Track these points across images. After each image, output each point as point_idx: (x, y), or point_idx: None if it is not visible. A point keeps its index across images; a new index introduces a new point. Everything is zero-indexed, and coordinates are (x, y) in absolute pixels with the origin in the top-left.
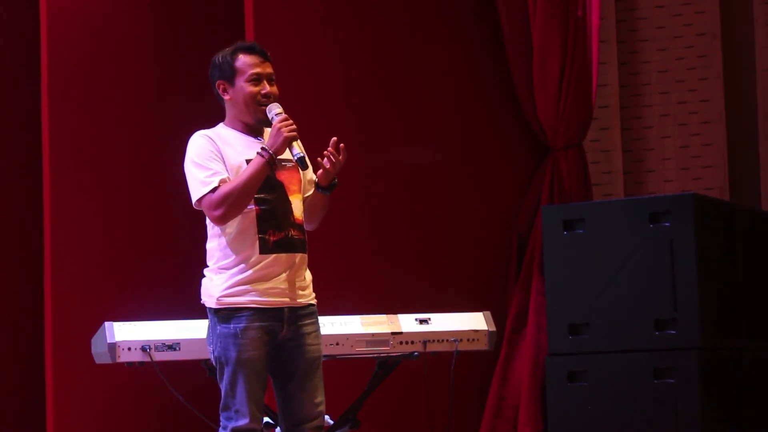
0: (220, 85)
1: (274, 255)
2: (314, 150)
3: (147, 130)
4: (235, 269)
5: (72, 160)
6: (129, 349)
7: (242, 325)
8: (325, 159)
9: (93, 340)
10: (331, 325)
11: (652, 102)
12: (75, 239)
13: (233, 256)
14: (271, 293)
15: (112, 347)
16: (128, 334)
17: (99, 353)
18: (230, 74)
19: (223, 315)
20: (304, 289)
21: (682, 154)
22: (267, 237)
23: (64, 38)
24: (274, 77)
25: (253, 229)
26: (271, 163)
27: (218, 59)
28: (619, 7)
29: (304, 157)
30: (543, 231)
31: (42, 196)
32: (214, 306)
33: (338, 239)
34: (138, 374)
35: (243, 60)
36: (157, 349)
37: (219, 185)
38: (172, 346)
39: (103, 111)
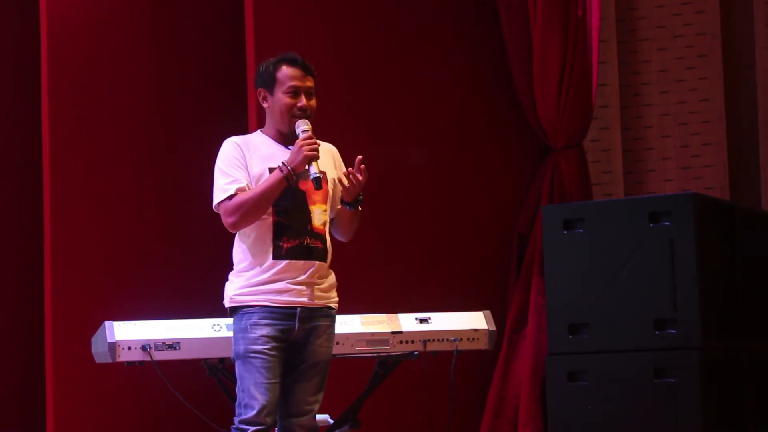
0: (260, 93)
1: (286, 261)
2: None
3: (147, 130)
4: (251, 272)
5: (72, 159)
6: (129, 348)
7: (252, 320)
8: (345, 178)
9: (93, 340)
10: None
11: (652, 102)
12: (75, 239)
13: (250, 260)
14: (284, 294)
15: (112, 346)
16: (128, 333)
17: (99, 352)
18: (270, 84)
19: (237, 313)
20: (322, 291)
21: (682, 153)
22: (281, 244)
23: (64, 38)
24: (313, 91)
25: (270, 236)
26: (288, 178)
27: (262, 68)
28: (619, 7)
29: (320, 177)
30: (543, 231)
31: (42, 196)
32: (229, 305)
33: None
34: (138, 374)
35: (284, 71)
36: (157, 348)
37: (236, 193)
38: (173, 345)
39: (103, 111)
